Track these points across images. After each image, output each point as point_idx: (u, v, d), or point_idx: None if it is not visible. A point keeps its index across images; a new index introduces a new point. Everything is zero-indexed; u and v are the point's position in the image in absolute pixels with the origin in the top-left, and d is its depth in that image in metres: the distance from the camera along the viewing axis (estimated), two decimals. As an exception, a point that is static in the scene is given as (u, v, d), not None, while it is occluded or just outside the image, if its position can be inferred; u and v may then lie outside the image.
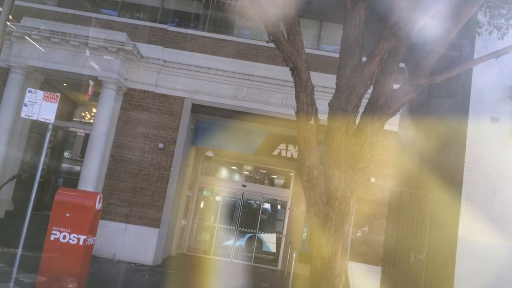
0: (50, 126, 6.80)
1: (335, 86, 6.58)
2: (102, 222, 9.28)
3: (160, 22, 11.17)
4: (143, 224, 10.00)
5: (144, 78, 10.45)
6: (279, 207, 13.21)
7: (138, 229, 9.96)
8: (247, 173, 13.99)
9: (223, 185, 13.15)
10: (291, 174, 12.66)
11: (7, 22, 7.13)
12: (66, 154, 14.23)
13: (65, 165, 13.81)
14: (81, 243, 6.00)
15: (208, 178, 13.18)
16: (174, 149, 10.30)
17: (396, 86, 6.51)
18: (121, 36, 9.77)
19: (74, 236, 6.00)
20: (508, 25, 8.23)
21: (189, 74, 10.49)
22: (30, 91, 6.61)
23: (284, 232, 12.25)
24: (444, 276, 9.92)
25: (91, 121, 12.08)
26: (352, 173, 6.17)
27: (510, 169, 10.09)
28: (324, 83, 9.64)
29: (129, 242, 9.87)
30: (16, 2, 9.29)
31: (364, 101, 6.52)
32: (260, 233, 12.82)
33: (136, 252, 9.82)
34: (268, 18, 6.17)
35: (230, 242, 12.46)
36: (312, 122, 6.29)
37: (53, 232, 6.00)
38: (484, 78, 10.50)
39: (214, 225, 12.68)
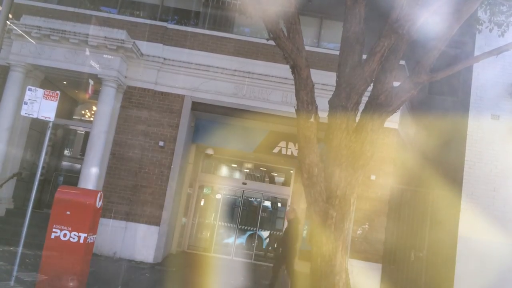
0: (50, 124, 6.80)
1: (335, 84, 6.57)
2: (102, 220, 9.26)
3: (160, 20, 11.15)
4: (144, 222, 10.00)
5: (144, 76, 10.44)
6: (279, 205, 13.22)
7: (139, 227, 9.97)
8: (248, 171, 13.99)
9: (223, 183, 13.15)
10: (291, 172, 12.65)
11: (7, 21, 7.11)
12: (66, 152, 14.24)
13: (65, 163, 13.82)
14: (81, 241, 6.00)
15: (209, 176, 13.18)
16: (174, 147, 10.30)
17: (396, 84, 6.49)
18: (121, 34, 9.75)
19: (74, 234, 6.00)
20: (508, 22, 8.20)
21: (189, 72, 10.48)
22: (30, 89, 6.61)
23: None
24: (444, 273, 9.93)
25: (91, 119, 12.08)
26: (353, 171, 6.16)
27: (510, 167, 10.08)
28: (324, 81, 9.61)
29: (129, 240, 9.88)
30: (16, 0, 9.27)
31: (365, 99, 6.50)
32: (261, 230, 12.83)
33: (136, 250, 9.83)
34: (268, 15, 6.15)
35: (231, 240, 12.47)
36: (312, 119, 6.27)
37: (54, 230, 6.01)
38: (485, 76, 10.46)
39: (214, 223, 12.69)
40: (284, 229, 8.90)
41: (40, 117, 6.59)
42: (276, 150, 11.30)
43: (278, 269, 8.43)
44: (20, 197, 10.68)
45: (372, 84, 6.46)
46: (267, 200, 13.18)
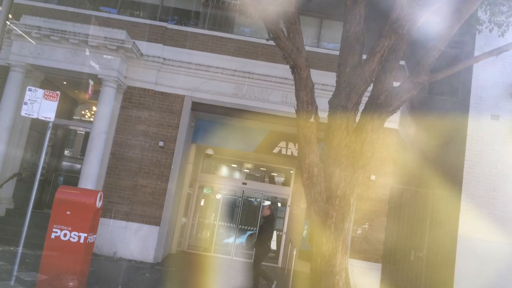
0: (50, 125, 6.80)
1: (335, 84, 6.57)
2: (102, 220, 9.27)
3: (160, 20, 11.15)
4: (144, 222, 10.01)
5: (144, 76, 10.44)
6: (279, 204, 13.22)
7: (139, 227, 9.97)
8: (248, 171, 14.00)
9: (223, 183, 13.15)
10: (292, 172, 12.66)
11: (7, 21, 7.11)
12: (66, 152, 14.24)
13: (65, 163, 13.83)
14: (81, 241, 6.01)
15: (209, 176, 13.18)
16: (174, 147, 10.31)
17: (396, 84, 6.50)
18: (121, 34, 9.75)
19: (74, 234, 6.01)
20: (508, 23, 8.20)
21: (189, 72, 10.48)
22: (30, 90, 6.61)
23: (285, 229, 12.26)
24: (444, 273, 9.93)
25: (91, 119, 12.08)
26: (353, 171, 6.17)
27: (510, 167, 10.08)
28: (324, 81, 9.62)
29: (129, 240, 9.88)
30: (16, 0, 9.26)
31: (365, 99, 6.51)
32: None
33: (136, 250, 9.83)
34: (268, 15, 6.16)
35: (231, 240, 12.47)
36: (312, 120, 6.29)
37: (54, 230, 6.01)
38: (485, 76, 10.47)
39: (214, 223, 12.70)
40: (259, 226, 9.16)
41: (40, 118, 6.59)
42: (276, 150, 11.31)
43: (259, 264, 8.74)
44: (20, 197, 10.68)
45: (372, 84, 6.48)
46: (267, 200, 13.18)
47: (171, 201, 10.26)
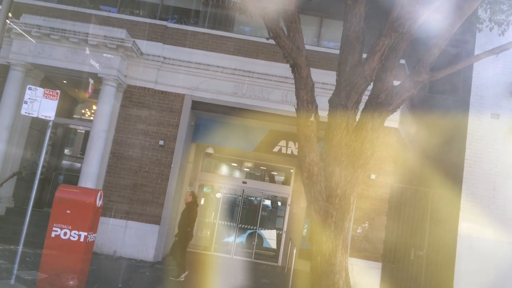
0: (50, 123, 6.80)
1: (335, 83, 6.57)
2: (102, 219, 9.27)
3: (160, 19, 11.14)
4: (144, 221, 10.02)
5: (144, 75, 10.44)
6: (279, 203, 13.22)
7: (139, 226, 9.98)
8: (248, 170, 14.00)
9: (223, 182, 13.15)
10: (292, 170, 12.66)
11: (7, 20, 7.10)
12: (66, 151, 14.24)
13: (65, 162, 13.83)
14: (81, 240, 6.00)
15: (209, 175, 13.18)
16: (174, 146, 10.31)
17: (396, 83, 6.49)
18: (121, 33, 9.74)
19: (75, 233, 6.01)
20: (508, 21, 8.19)
21: (189, 71, 10.47)
22: (30, 88, 6.61)
23: (285, 228, 12.26)
24: (444, 272, 9.94)
25: (92, 118, 12.08)
26: (353, 170, 6.16)
27: (510, 166, 10.08)
28: (324, 80, 9.62)
29: (129, 239, 9.89)
30: (16, -1, 9.27)
31: (365, 98, 6.50)
32: (261, 229, 12.84)
33: (136, 249, 9.84)
34: (268, 14, 6.15)
35: (231, 239, 12.48)
36: (312, 118, 6.28)
37: (54, 229, 6.01)
38: (485, 75, 10.46)
39: (214, 221, 12.70)
40: (181, 212, 9.14)
41: (40, 116, 6.59)
42: (276, 149, 11.30)
43: (182, 250, 8.80)
44: (20, 196, 10.69)
45: (372, 83, 6.47)
46: (267, 199, 13.19)
47: (171, 200, 10.26)
